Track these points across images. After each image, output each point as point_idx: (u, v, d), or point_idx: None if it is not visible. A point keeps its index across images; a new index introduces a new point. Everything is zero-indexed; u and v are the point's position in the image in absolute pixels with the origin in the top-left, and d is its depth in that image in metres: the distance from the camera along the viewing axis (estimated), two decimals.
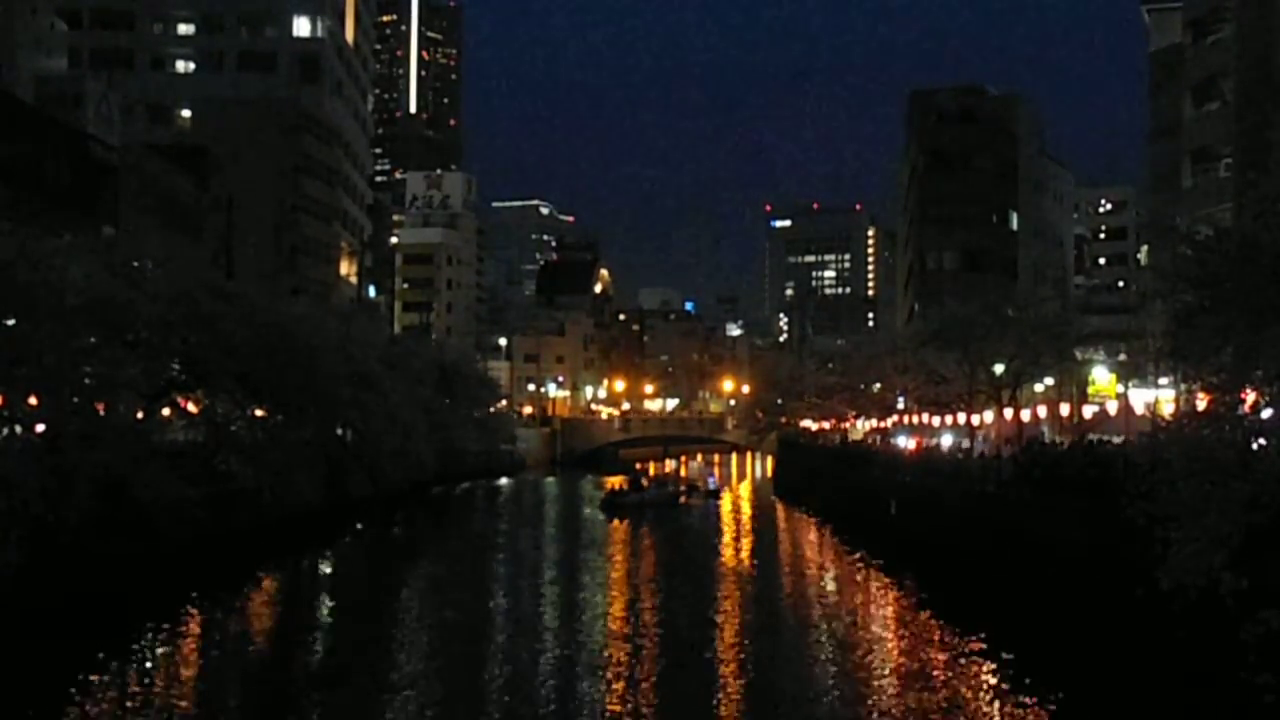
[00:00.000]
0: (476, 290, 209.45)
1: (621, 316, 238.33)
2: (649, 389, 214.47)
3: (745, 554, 63.74)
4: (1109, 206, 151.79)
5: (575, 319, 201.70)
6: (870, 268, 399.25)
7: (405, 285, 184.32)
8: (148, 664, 34.22)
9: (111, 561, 38.08)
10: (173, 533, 41.88)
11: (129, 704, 29.20)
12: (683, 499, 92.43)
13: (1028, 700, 29.21)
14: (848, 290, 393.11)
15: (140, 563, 40.14)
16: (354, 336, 68.43)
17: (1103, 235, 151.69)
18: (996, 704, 29.87)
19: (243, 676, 34.34)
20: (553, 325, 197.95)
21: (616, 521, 75.57)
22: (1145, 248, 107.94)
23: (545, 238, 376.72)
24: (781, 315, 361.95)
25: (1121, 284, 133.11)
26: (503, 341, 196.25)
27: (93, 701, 28.97)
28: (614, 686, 30.96)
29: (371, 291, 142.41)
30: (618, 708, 28.72)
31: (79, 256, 43.78)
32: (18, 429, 36.99)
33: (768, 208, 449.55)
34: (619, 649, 36.23)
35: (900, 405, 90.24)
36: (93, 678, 30.75)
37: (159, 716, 28.45)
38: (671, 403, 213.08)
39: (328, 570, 57.36)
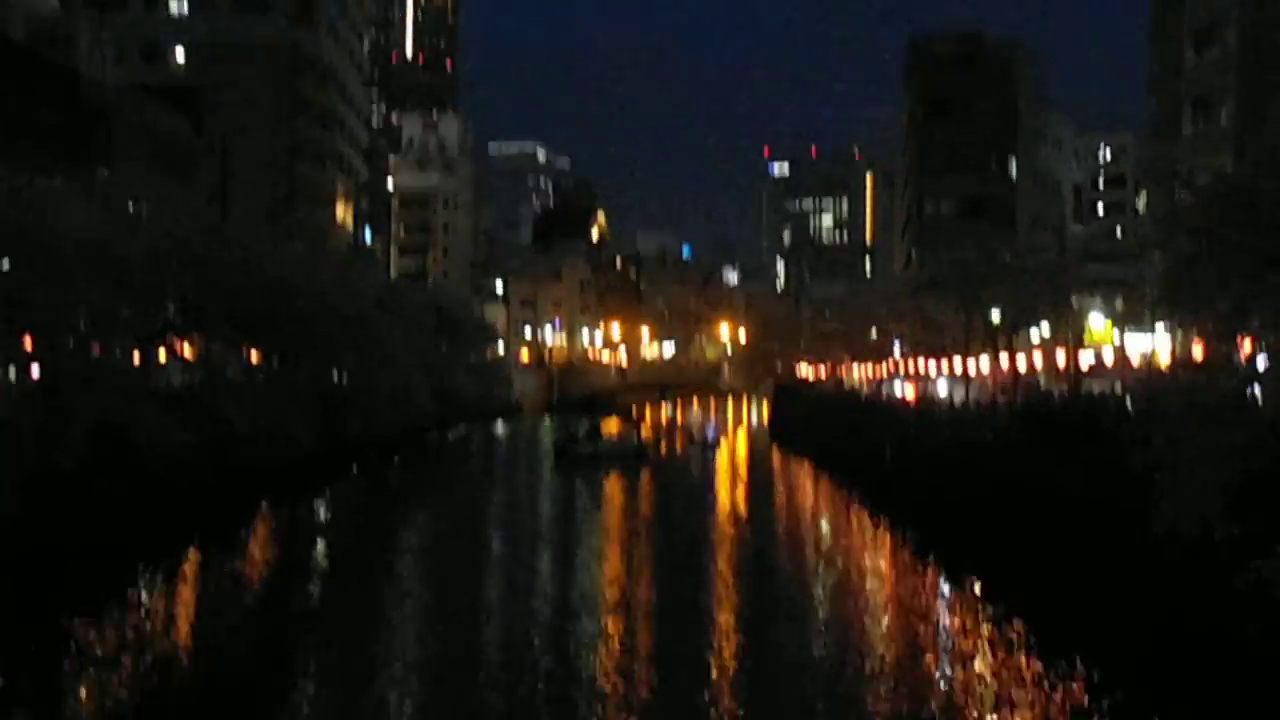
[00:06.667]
0: (473, 234, 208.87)
1: (618, 261, 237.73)
2: (646, 334, 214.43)
3: (741, 498, 63.91)
4: (1108, 154, 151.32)
5: (572, 264, 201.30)
6: (868, 214, 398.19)
7: (401, 229, 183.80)
8: (145, 606, 34.34)
9: (108, 504, 38.10)
10: (169, 476, 41.94)
11: (127, 645, 29.31)
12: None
13: (1019, 642, 29.36)
14: (845, 237, 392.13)
15: (137, 506, 40.16)
16: (350, 280, 68.30)
17: (1101, 183, 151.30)
18: (986, 644, 30.02)
19: (239, 619, 34.43)
20: (549, 270, 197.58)
21: (615, 471, 72.78)
22: (1144, 194, 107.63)
23: (542, 182, 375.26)
24: (779, 261, 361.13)
25: (1119, 232, 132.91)
26: (499, 286, 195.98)
27: (91, 643, 29.08)
28: (607, 627, 31.15)
29: (368, 235, 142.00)
30: (612, 648, 28.89)
31: (72, 199, 43.58)
32: (13, 371, 36.94)
33: (765, 152, 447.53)
34: (612, 590, 36.45)
35: (897, 352, 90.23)
36: (91, 620, 30.85)
37: (156, 658, 28.59)
38: (668, 348, 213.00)
39: (324, 514, 57.45)
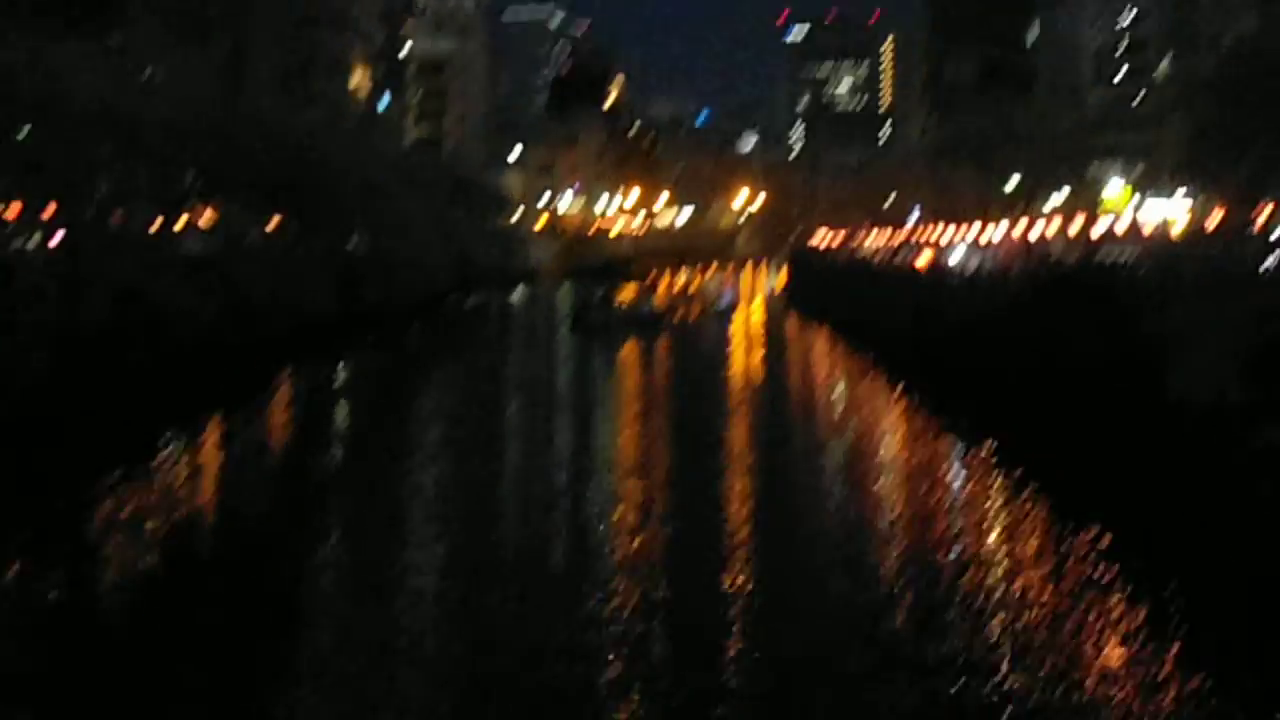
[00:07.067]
0: (489, 101, 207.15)
1: (635, 127, 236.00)
2: (662, 201, 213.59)
3: (757, 364, 64.28)
4: (1130, 17, 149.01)
5: (588, 129, 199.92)
6: (886, 80, 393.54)
7: (418, 95, 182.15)
8: (168, 468, 34.86)
9: (131, 370, 38.42)
10: (189, 342, 42.26)
11: (150, 507, 29.84)
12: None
13: (1029, 501, 29.78)
14: (863, 102, 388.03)
15: (159, 371, 40.49)
16: (366, 148, 68.13)
17: (1123, 47, 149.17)
18: (998, 503, 30.49)
19: (260, 481, 35.03)
20: (565, 136, 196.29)
21: (635, 336, 72.24)
22: (1166, 59, 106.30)
23: (558, 47, 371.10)
24: (796, 127, 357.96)
25: (1140, 97, 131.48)
26: (516, 153, 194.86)
27: (114, 505, 29.59)
28: (623, 491, 31.50)
29: (383, 102, 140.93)
30: (628, 511, 29.26)
31: (88, 64, 43.32)
32: (35, 239, 37.13)
33: (783, 15, 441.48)
34: (629, 452, 36.86)
35: (913, 219, 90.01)
36: (114, 482, 31.34)
37: (179, 519, 29.14)
38: (684, 215, 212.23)
39: (343, 379, 57.94)
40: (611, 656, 19.11)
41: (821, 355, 69.58)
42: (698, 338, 77.71)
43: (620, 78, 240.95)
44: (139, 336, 38.87)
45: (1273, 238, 26.96)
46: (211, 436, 39.87)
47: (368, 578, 23.97)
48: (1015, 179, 64.14)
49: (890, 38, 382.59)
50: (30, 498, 27.81)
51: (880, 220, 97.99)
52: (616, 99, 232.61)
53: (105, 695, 17.56)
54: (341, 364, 60.67)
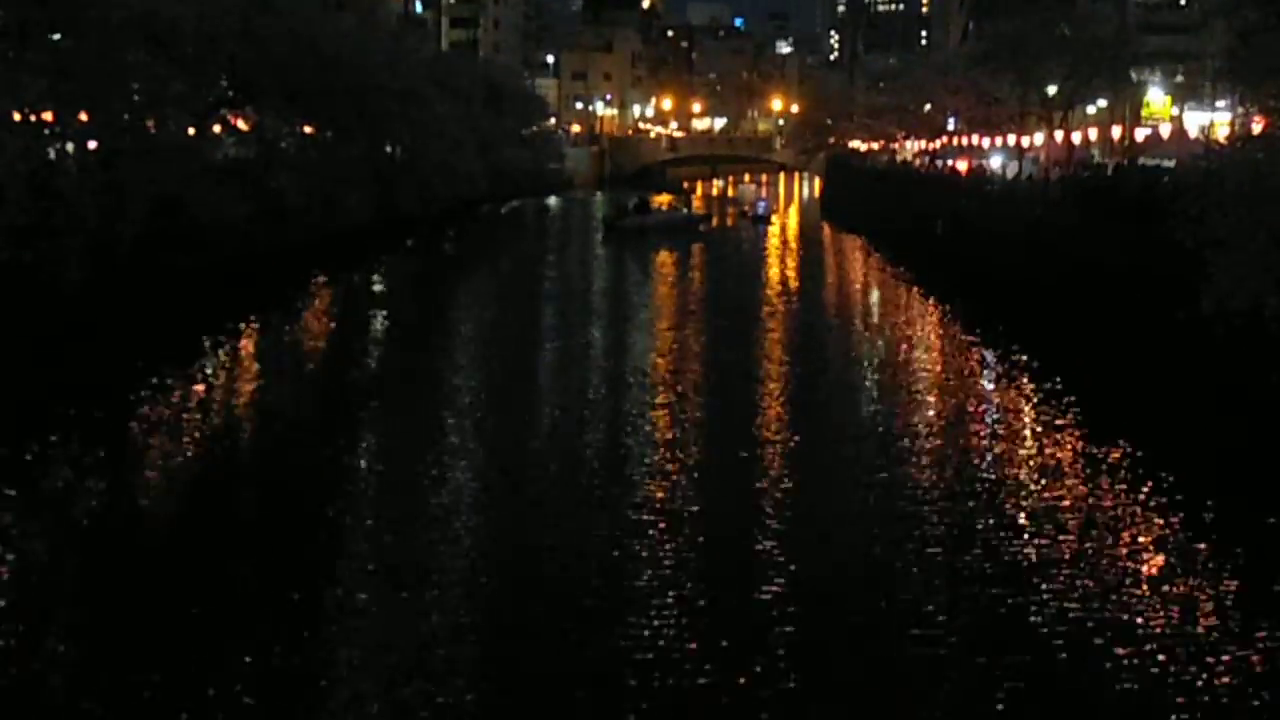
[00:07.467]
0: (523, 5, 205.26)
1: (670, 33, 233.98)
2: (697, 108, 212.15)
3: (791, 273, 64.11)
4: None
5: (623, 35, 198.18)
6: None
7: (452, 0, 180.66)
8: (207, 373, 35.20)
9: (168, 276, 38.64)
10: (226, 248, 42.44)
11: (189, 411, 30.16)
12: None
13: (1062, 408, 29.79)
14: (901, 6, 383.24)
15: (195, 277, 40.71)
16: (401, 53, 67.67)
17: None
18: (1030, 410, 30.53)
19: (299, 385, 35.33)
20: (600, 42, 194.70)
21: (670, 243, 72.49)
22: None
23: None
24: (833, 32, 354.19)
25: (1183, 1, 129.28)
26: (550, 59, 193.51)
27: (154, 409, 29.91)
28: (657, 396, 31.60)
29: (418, 7, 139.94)
30: (662, 415, 29.39)
31: None
32: (70, 146, 37.11)
33: None
34: (663, 360, 36.97)
35: (951, 127, 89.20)
36: (153, 386, 31.65)
37: (219, 422, 29.47)
38: (720, 122, 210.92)
39: (379, 285, 58.17)
40: (648, 562, 19.29)
41: (855, 266, 69.35)
42: (733, 246, 77.52)
43: None
44: (177, 242, 39.04)
45: None
46: (248, 342, 40.19)
47: (402, 478, 24.14)
48: (1054, 87, 63.32)
49: None
50: (71, 404, 28.10)
51: (917, 128, 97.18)
52: (651, 3, 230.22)
53: (147, 594, 17.85)
54: (378, 269, 60.93)
